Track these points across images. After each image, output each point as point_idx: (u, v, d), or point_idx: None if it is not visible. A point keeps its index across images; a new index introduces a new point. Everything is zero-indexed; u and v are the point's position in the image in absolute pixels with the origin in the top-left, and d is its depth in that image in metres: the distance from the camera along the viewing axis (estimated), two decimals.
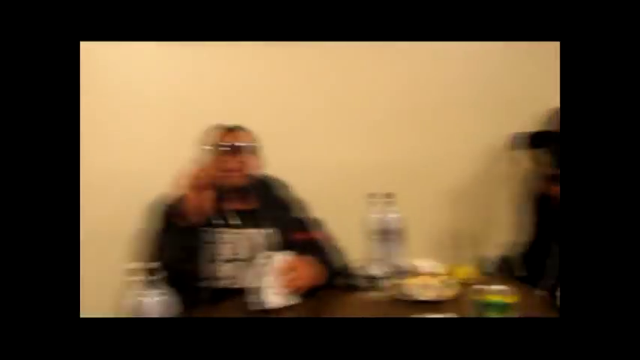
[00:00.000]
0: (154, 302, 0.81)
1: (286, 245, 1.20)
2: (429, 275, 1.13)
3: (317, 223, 1.33)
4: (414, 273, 1.16)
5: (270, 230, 1.28)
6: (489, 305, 0.87)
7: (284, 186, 1.42)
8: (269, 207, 1.32)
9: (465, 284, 1.09)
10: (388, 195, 1.16)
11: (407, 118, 1.89)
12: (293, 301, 1.05)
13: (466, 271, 1.20)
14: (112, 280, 0.99)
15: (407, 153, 1.87)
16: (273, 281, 1.05)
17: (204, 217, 1.15)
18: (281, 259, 1.09)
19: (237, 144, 1.28)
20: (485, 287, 0.89)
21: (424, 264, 1.21)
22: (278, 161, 1.39)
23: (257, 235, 1.27)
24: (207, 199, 1.12)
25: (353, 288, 1.14)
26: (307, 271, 1.10)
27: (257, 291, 1.04)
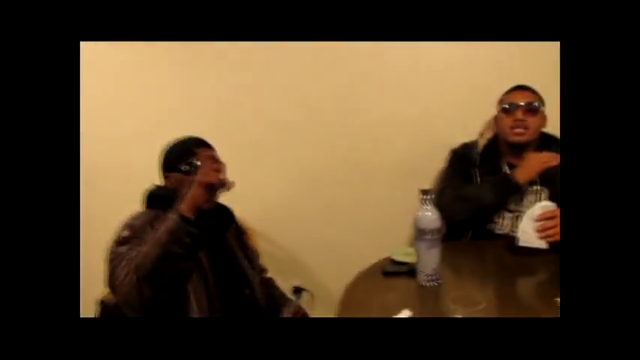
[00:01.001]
0: (426, 216, 1.04)
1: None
2: None
3: None
4: None
5: (543, 188, 1.36)
6: None
7: None
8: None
9: None
10: None
11: None
12: (543, 246, 1.13)
13: None
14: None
15: None
16: (532, 224, 1.14)
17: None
18: (545, 206, 1.17)
19: (516, 102, 1.38)
20: None
21: None
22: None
23: (529, 190, 1.37)
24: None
25: None
26: None
27: (518, 231, 1.15)
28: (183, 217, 0.97)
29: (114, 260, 0.99)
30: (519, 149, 1.40)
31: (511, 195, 1.35)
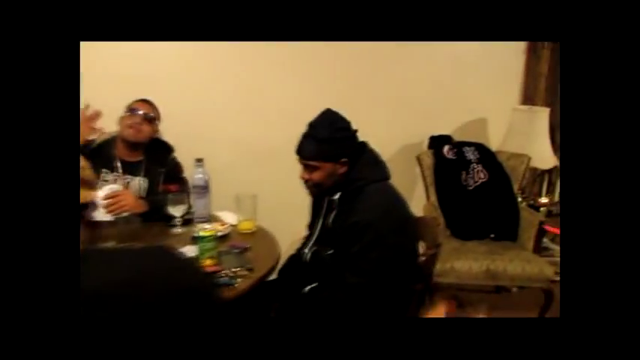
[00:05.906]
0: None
1: (150, 190, 1.79)
2: (220, 223, 1.64)
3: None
4: (213, 220, 1.68)
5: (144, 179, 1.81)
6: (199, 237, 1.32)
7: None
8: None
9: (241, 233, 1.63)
10: (198, 160, 1.71)
11: None
12: (109, 218, 1.49)
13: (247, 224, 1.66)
14: None
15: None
16: (102, 202, 1.48)
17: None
18: (110, 188, 1.56)
19: (138, 109, 1.79)
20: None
21: (225, 215, 1.74)
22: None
23: (134, 180, 1.80)
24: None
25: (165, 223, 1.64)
26: (128, 200, 1.56)
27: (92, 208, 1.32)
28: None
29: None
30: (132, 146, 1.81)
31: None
